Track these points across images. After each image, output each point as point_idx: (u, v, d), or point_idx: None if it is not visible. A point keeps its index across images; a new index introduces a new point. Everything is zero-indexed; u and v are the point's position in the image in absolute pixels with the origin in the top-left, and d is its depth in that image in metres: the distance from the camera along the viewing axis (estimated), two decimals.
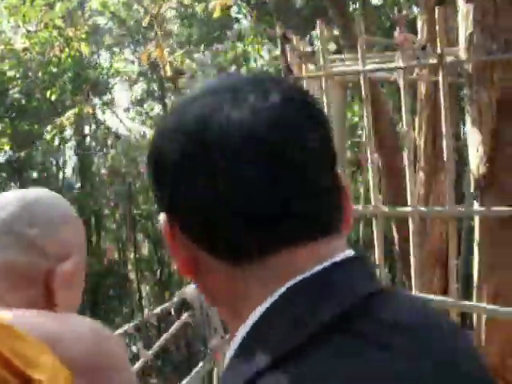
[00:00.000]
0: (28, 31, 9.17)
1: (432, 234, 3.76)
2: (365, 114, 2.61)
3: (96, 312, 11.04)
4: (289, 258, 0.49)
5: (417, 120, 4.09)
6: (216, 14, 5.72)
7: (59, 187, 11.24)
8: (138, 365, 3.48)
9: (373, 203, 2.62)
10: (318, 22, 2.69)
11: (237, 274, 0.50)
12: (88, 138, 13.03)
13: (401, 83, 2.58)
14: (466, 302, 2.60)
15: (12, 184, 11.35)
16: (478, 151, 2.61)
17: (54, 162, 11.93)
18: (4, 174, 10.11)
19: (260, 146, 0.48)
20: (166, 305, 4.23)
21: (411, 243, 2.60)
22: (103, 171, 11.69)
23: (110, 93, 12.05)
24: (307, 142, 0.50)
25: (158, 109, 13.07)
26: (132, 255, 13.62)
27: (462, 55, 2.60)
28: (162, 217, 0.54)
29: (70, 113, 7.15)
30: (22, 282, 0.80)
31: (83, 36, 10.28)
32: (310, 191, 0.50)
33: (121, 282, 11.86)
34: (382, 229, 2.63)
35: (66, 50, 9.52)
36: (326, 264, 0.50)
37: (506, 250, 2.55)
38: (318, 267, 0.49)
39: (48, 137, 7.14)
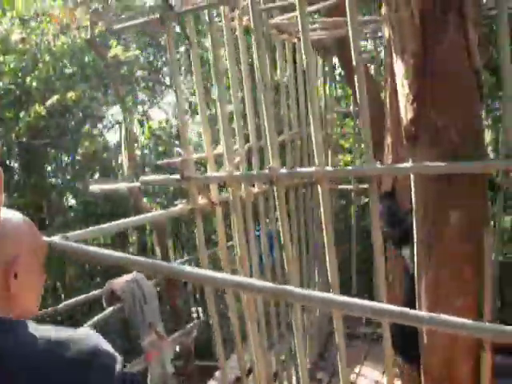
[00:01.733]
0: (23, 22, 8.95)
1: None
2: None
3: None
4: None
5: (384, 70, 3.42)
6: None
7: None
8: None
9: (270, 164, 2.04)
10: None
11: None
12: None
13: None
14: None
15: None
16: (403, 87, 1.95)
17: None
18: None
19: None
20: (95, 292, 3.82)
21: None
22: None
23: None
24: None
25: None
26: None
27: None
28: None
29: (48, 102, 6.83)
30: None
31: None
32: None
33: None
34: (282, 196, 2.04)
35: (62, 38, 9.25)
36: None
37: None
38: None
39: (21, 125, 6.80)
